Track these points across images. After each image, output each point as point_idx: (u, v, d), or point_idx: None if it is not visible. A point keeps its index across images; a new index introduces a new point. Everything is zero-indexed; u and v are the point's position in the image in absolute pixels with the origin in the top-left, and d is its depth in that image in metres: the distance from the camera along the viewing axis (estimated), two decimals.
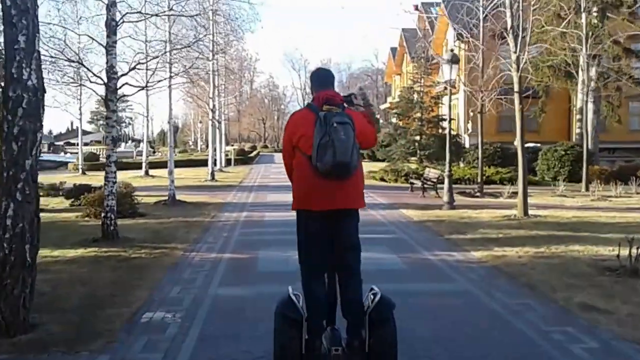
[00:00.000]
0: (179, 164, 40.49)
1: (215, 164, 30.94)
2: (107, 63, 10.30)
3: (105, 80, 10.29)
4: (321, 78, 4.37)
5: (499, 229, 11.27)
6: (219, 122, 31.88)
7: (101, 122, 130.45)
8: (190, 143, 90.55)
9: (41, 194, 19.00)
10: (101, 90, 10.67)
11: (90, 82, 11.12)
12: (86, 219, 12.81)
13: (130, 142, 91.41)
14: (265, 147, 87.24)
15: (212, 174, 24.46)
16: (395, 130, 27.98)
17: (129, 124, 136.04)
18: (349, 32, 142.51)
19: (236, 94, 39.38)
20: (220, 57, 27.83)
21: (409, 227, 11.89)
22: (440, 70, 23.70)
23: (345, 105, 4.14)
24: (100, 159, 48.74)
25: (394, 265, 8.18)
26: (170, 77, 16.38)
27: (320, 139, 3.89)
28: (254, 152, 56.15)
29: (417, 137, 26.79)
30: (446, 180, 14.67)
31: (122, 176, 28.18)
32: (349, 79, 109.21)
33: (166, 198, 16.39)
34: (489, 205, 15.66)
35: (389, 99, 62.28)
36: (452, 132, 28.14)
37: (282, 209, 11.95)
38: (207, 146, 36.93)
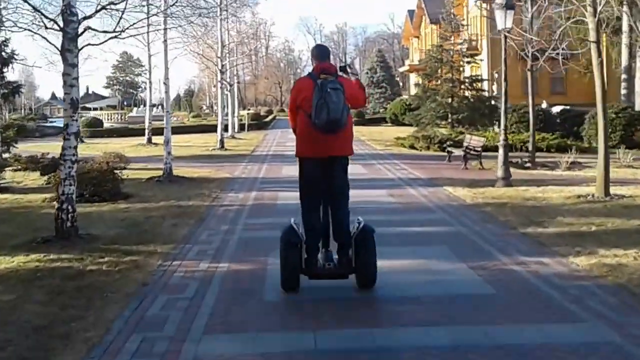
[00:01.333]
0: (189, 129, 38.15)
1: (226, 129, 28.42)
2: (63, 1, 7.62)
3: (61, 25, 7.61)
4: (320, 52, 5.60)
5: (584, 217, 8.57)
6: (231, 85, 29.14)
7: (117, 87, 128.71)
8: (204, 107, 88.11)
9: (19, 167, 16.99)
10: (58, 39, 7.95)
11: (47, 28, 8.34)
12: (54, 203, 10.28)
13: (143, 106, 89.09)
14: (282, 111, 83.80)
15: (222, 142, 21.85)
16: (423, 92, 25.01)
17: (145, 88, 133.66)
18: None
19: (251, 54, 35.72)
20: (230, 20, 25.11)
21: (464, 214, 9.17)
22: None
23: (339, 73, 5.35)
24: (105, 124, 46.64)
25: (470, 284, 5.55)
26: (166, 30, 13.70)
27: (318, 101, 5.10)
28: (270, 117, 53.31)
29: (449, 100, 23.88)
30: (501, 151, 11.87)
31: (121, 144, 26.14)
32: (365, 42, 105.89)
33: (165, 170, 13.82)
34: (550, 180, 12.87)
35: (407, 62, 59.61)
36: (486, 94, 25.66)
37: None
38: (236, 107, 34.35)
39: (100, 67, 68.24)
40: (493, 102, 24.30)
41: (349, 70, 5.56)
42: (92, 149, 23.10)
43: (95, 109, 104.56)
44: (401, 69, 59.50)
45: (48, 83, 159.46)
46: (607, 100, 30.71)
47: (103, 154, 16.78)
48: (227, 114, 29.22)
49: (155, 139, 28.60)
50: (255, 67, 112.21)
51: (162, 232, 7.96)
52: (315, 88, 5.12)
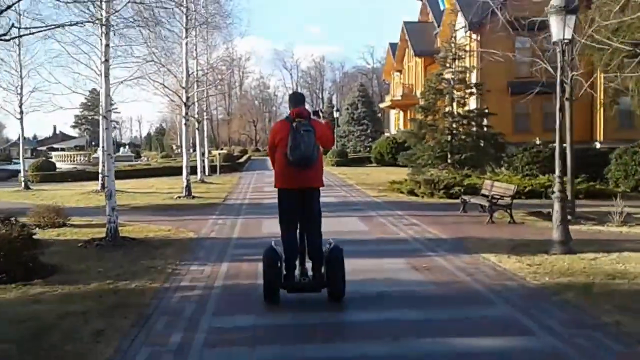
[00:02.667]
0: (155, 172, 34.76)
1: (196, 172, 25.20)
2: None
3: None
4: (295, 99, 6.95)
5: None
6: (199, 121, 26.06)
7: (85, 126, 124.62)
8: (175, 147, 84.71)
9: None
10: None
11: None
12: None
13: (126, 147, 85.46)
14: (257, 150, 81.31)
15: (188, 188, 18.57)
16: (419, 128, 22.19)
17: (115, 127, 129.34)
18: (343, 30, 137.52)
19: (224, 89, 32.89)
20: (199, 46, 22.28)
21: (540, 308, 6.07)
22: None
23: (312, 117, 6.55)
24: (66, 166, 43.04)
25: None
26: (107, 46, 10.69)
27: (292, 141, 6.22)
28: (244, 157, 50.31)
29: (448, 137, 21.09)
30: (556, 206, 8.88)
31: (72, 192, 22.56)
32: (343, 77, 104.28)
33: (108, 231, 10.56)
34: (615, 241, 9.91)
35: (388, 97, 57.51)
36: (491, 130, 23.02)
37: None
38: (206, 147, 31.15)
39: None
40: (500, 140, 21.61)
41: (320, 114, 7.36)
42: (36, 198, 19.74)
43: (62, 149, 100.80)
44: (382, 105, 57.32)
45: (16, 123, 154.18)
46: (586, 136, 29.06)
47: (37, 207, 13.52)
48: (193, 155, 26.09)
49: (119, 183, 25.38)
50: (229, 105, 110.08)
51: (73, 352, 4.74)
52: (291, 130, 6.29)
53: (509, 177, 17.90)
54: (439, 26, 45.36)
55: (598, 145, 26.38)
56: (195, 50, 21.31)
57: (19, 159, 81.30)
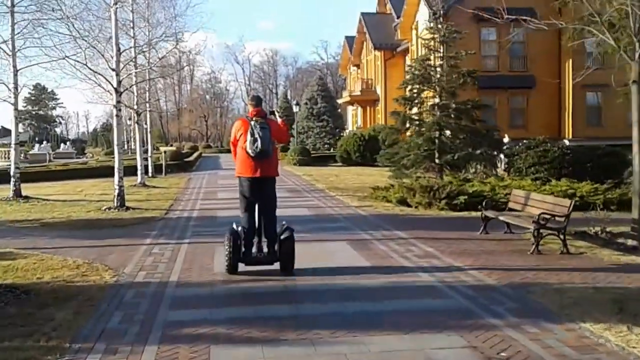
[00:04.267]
0: (92, 172, 30.39)
1: (145, 172, 21.18)
2: None
3: None
4: (255, 101, 7.85)
5: None
6: (138, 113, 21.98)
7: (28, 121, 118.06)
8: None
9: None
10: None
11: None
12: None
13: (46, 142, 79.53)
14: (209, 146, 76.97)
15: (120, 197, 14.59)
16: (402, 123, 18.77)
17: (60, 122, 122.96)
18: (296, 25, 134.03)
19: (171, 78, 28.97)
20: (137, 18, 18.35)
21: None
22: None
23: (269, 116, 7.86)
24: None
25: None
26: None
27: (251, 137, 7.29)
28: (195, 155, 46.00)
29: (436, 134, 17.73)
30: None
31: None
32: (297, 73, 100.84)
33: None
34: None
35: (345, 93, 54.43)
36: (486, 125, 19.88)
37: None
38: (151, 144, 26.95)
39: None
40: (496, 136, 18.41)
41: (276, 113, 9.36)
42: None
43: (4, 145, 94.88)
44: (340, 101, 54.11)
45: None
46: (554, 132, 26.76)
47: None
48: (123, 153, 22.05)
49: (43, 187, 21.22)
50: (179, 99, 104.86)
51: None
52: (249, 127, 7.39)
53: (519, 182, 14.65)
54: (398, 17, 42.51)
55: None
56: (133, 25, 17.35)
57: None
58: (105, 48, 14.30)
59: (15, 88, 16.64)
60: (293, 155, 34.00)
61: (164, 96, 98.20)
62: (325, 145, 49.91)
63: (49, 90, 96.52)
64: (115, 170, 14.63)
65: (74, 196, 18.54)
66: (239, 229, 7.60)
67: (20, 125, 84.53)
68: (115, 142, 14.85)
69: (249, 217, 7.56)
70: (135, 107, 21.71)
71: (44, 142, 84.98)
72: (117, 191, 14.53)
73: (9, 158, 65.43)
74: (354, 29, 50.79)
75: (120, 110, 14.49)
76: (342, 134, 49.99)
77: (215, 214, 13.59)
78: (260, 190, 7.51)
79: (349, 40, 53.07)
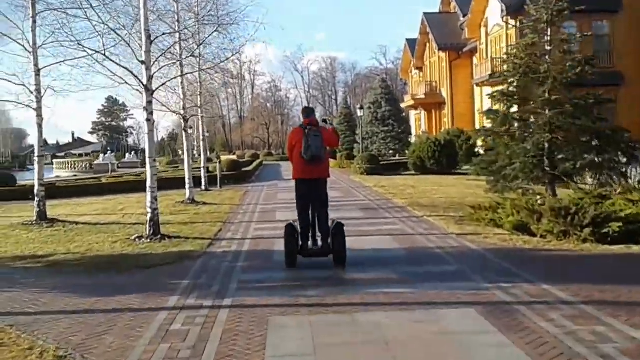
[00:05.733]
0: (143, 185, 28.00)
1: (192, 186, 18.29)
2: None
3: None
4: (307, 112, 8.90)
5: None
6: (185, 120, 19.04)
7: (102, 132, 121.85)
8: (181, 152, 78.11)
9: None
10: None
11: None
12: None
13: (110, 152, 79.32)
14: (270, 154, 74.68)
15: (154, 222, 11.48)
16: (501, 124, 15.02)
17: (131, 133, 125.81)
18: (349, 35, 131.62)
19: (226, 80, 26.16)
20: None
21: None
22: None
23: (321, 124, 8.74)
24: (59, 174, 36.28)
25: None
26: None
27: (305, 143, 8.26)
28: (254, 164, 43.23)
29: (548, 136, 13.90)
30: None
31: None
32: (355, 79, 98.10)
33: None
34: None
35: (407, 97, 51.05)
36: (612, 126, 15.91)
37: None
38: (204, 154, 24.26)
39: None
40: (625, 139, 14.41)
41: (327, 122, 9.92)
42: None
43: (81, 155, 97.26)
44: (403, 105, 50.71)
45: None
46: None
47: None
48: (174, 163, 19.32)
49: (84, 203, 18.70)
50: (242, 107, 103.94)
51: None
52: (304, 135, 8.35)
53: None
54: (465, 15, 39.16)
55: None
56: (178, 18, 14.37)
57: (32, 165, 76.14)
58: (132, 37, 11.27)
59: (38, 91, 13.95)
60: (360, 163, 30.53)
61: (227, 105, 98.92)
62: (391, 152, 46.32)
63: (120, 102, 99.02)
64: (148, 189, 11.59)
65: (111, 216, 15.76)
66: (296, 224, 8.60)
67: (94, 135, 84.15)
68: (147, 155, 11.78)
69: (304, 214, 8.55)
70: (183, 112, 18.76)
71: (108, 152, 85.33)
72: (149, 215, 11.47)
73: (74, 168, 65.04)
74: (415, 32, 47.88)
75: (151, 113, 11.40)
76: (409, 139, 46.35)
77: (271, 247, 10.30)
78: (314, 190, 8.49)
79: (411, 42, 50.88)
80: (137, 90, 11.44)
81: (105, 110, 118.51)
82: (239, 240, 11.41)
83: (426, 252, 9.58)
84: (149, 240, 11.15)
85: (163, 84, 12.73)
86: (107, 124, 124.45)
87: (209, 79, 23.23)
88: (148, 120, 11.35)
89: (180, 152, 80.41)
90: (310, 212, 8.53)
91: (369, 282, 7.57)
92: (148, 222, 11.48)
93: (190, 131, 36.71)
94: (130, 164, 75.79)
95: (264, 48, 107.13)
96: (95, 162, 71.33)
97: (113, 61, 10.87)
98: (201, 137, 24.84)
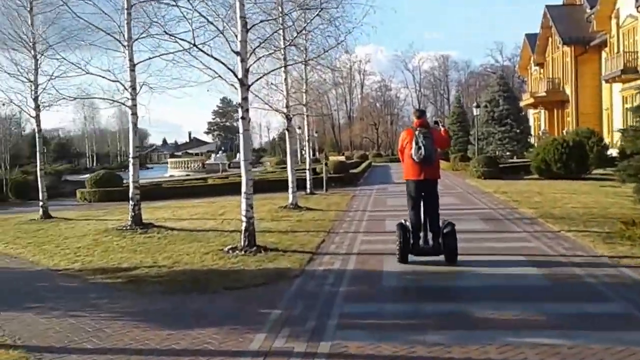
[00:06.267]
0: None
1: (296, 189, 17.16)
2: None
3: None
4: (418, 113, 9.09)
5: None
6: (289, 118, 17.86)
7: (217, 132, 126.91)
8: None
9: None
10: None
11: None
12: None
13: (221, 152, 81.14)
14: (379, 155, 73.08)
15: (249, 233, 10.25)
16: None
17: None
18: (468, 27, 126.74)
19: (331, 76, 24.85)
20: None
21: None
22: None
23: (433, 126, 9.03)
24: (173, 174, 36.86)
25: None
26: None
27: (416, 145, 8.47)
28: (363, 165, 41.79)
29: None
30: None
31: (88, 226, 13.71)
32: (469, 77, 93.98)
33: None
34: None
35: (525, 95, 47.50)
36: None
37: None
38: (309, 155, 23.28)
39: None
40: None
41: (439, 123, 9.24)
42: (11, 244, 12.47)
43: (197, 154, 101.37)
44: (521, 103, 47.25)
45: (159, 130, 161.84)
46: None
47: None
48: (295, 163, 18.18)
49: (187, 205, 18.15)
50: (351, 107, 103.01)
51: None
52: (414, 137, 8.53)
53: None
54: (592, 7, 35.61)
55: None
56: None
57: (157, 162, 79.71)
58: (227, 26, 10.09)
59: (133, 87, 13.28)
60: (477, 166, 28.14)
61: (335, 104, 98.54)
62: (508, 153, 43.13)
63: (234, 102, 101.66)
64: (242, 196, 10.39)
65: (209, 222, 14.85)
66: (407, 223, 8.77)
67: (209, 135, 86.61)
68: (242, 157, 10.57)
69: (415, 214, 8.73)
70: (285, 110, 17.60)
71: (220, 152, 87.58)
72: (244, 224, 10.26)
73: (187, 167, 66.96)
74: (535, 26, 44.60)
75: (247, 110, 10.18)
76: (528, 140, 42.96)
77: (380, 267, 8.74)
78: (424, 191, 8.68)
79: (530, 37, 47.82)
80: (233, 85, 10.14)
81: (220, 110, 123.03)
82: (343, 255, 9.91)
83: (575, 282, 7.59)
84: (242, 253, 9.94)
85: (260, 77, 11.51)
86: (221, 124, 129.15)
87: (315, 76, 22.06)
88: (243, 118, 10.14)
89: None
90: (421, 211, 8.71)
91: (507, 325, 5.82)
92: (243, 232, 10.29)
93: (299, 131, 35.97)
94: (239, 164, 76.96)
95: (372, 51, 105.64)
96: (207, 162, 73.03)
97: (205, 52, 9.72)
98: (306, 137, 23.68)
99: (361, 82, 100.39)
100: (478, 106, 39.08)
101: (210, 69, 10.47)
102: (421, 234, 8.67)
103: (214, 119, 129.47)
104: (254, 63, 10.32)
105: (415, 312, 6.42)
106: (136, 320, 6.48)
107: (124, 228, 13.30)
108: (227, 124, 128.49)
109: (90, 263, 9.78)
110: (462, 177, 28.29)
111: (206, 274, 8.64)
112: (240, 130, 10.27)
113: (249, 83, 10.27)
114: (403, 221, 8.82)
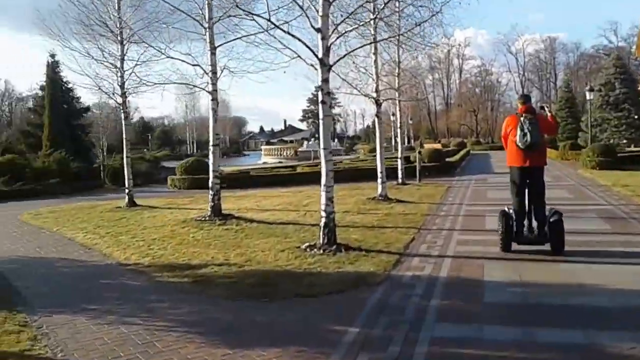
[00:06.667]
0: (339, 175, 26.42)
1: (385, 179, 15.99)
2: None
3: None
4: (523, 99, 8.71)
5: None
6: (378, 104, 16.55)
7: (311, 119, 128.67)
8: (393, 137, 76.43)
9: None
10: None
11: None
12: None
13: (313, 140, 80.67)
14: (478, 142, 70.03)
15: (329, 229, 9.17)
16: None
17: (339, 120, 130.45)
18: (576, 7, 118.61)
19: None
20: None
21: None
22: None
23: (539, 111, 8.79)
24: (266, 161, 36.64)
25: None
26: None
27: (520, 131, 8.16)
28: (460, 153, 39.72)
29: None
30: None
31: (177, 212, 13.83)
32: (578, 60, 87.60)
33: None
34: None
35: None
36: None
37: None
38: (401, 142, 22.06)
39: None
40: None
41: (546, 109, 8.94)
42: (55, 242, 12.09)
43: (291, 141, 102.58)
44: None
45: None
46: None
47: None
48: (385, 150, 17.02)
49: (273, 194, 17.56)
50: (448, 93, 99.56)
51: None
52: (519, 122, 8.24)
53: None
54: None
55: None
56: None
57: (254, 150, 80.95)
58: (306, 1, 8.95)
59: (214, 72, 12.53)
60: (590, 155, 25.52)
61: (432, 90, 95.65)
62: (624, 141, 39.57)
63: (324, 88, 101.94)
64: (322, 189, 9.28)
65: (291, 214, 13.94)
66: (510, 211, 8.47)
67: (304, 123, 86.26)
68: (322, 145, 9.44)
69: (519, 201, 8.40)
70: (375, 95, 16.34)
71: (312, 140, 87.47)
72: (323, 220, 9.19)
73: (280, 155, 67.33)
74: None
75: (327, 94, 9.06)
76: None
77: (480, 275, 7.40)
78: (529, 178, 8.34)
79: None
80: (313, 66, 9.05)
81: (314, 98, 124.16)
82: (436, 258, 8.61)
83: None
84: (321, 252, 8.88)
85: (343, 57, 10.30)
86: (315, 111, 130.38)
87: (408, 59, 20.62)
88: (323, 102, 9.03)
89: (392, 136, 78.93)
90: (525, 199, 8.40)
91: None
92: (322, 229, 9.22)
93: (392, 118, 34.48)
94: (334, 151, 76.35)
95: (471, 34, 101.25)
96: (300, 149, 72.91)
97: (283, 30, 8.67)
98: (398, 124, 22.29)
99: (460, 66, 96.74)
100: (592, 90, 35.80)
101: (289, 48, 9.44)
102: (525, 222, 8.41)
103: (308, 106, 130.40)
104: (336, 40, 9.13)
105: (527, 340, 5.09)
106: (192, 332, 5.60)
107: (203, 219, 12.65)
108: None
109: (161, 258, 9.07)
110: (572, 167, 25.84)
111: (278, 276, 7.64)
112: (320, 116, 9.17)
113: (330, 63, 9.12)
114: (506, 209, 8.55)
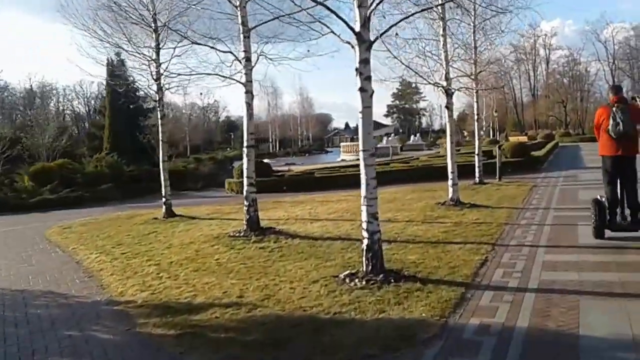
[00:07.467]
0: (410, 175, 24.18)
1: (456, 179, 13.82)
2: None
3: None
4: (615, 90, 8.80)
5: None
6: (448, 94, 14.16)
7: (396, 114, 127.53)
8: (466, 133, 72.68)
9: None
10: None
11: None
12: None
13: (394, 135, 78.14)
14: (567, 134, 65.48)
15: (372, 255, 7.16)
16: None
17: (423, 114, 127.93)
18: None
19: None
20: None
21: None
22: None
23: (630, 102, 8.72)
24: (345, 158, 34.83)
25: None
26: None
27: (612, 121, 8.25)
28: (547, 147, 36.30)
29: None
30: None
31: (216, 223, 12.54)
32: None
33: None
34: None
35: None
36: None
37: None
38: (477, 136, 19.74)
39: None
40: None
41: (637, 99, 9.15)
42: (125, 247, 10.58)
43: (374, 137, 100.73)
44: None
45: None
46: None
47: None
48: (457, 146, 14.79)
49: (332, 198, 15.91)
50: (535, 84, 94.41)
51: None
52: (611, 112, 8.32)
53: None
54: None
55: None
56: None
57: (337, 146, 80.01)
58: None
59: (247, 59, 10.76)
60: None
61: (519, 82, 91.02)
62: None
63: (413, 84, 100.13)
64: (362, 202, 7.26)
65: (344, 225, 11.88)
66: (603, 199, 8.57)
67: (389, 118, 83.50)
68: (361, 146, 7.44)
69: (612, 189, 8.55)
70: (444, 83, 14.04)
71: (391, 136, 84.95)
72: (366, 242, 7.18)
73: (357, 152, 65.88)
74: None
75: (367, 79, 7.03)
76: None
77: (574, 324, 5.20)
78: (621, 167, 8.46)
79: None
80: (349, 43, 7.04)
81: (399, 93, 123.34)
82: (514, 292, 6.39)
83: None
84: (363, 283, 6.88)
85: (389, 29, 8.06)
86: (400, 106, 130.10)
87: (485, 44, 18.23)
88: (363, 90, 7.02)
89: (465, 133, 75.20)
90: (617, 187, 8.51)
91: None
92: (364, 253, 7.22)
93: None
94: (414, 147, 73.53)
95: (560, 23, 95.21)
96: (378, 146, 70.69)
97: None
98: (475, 117, 19.79)
99: (546, 57, 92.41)
100: None
101: (321, 22, 7.49)
102: (618, 210, 8.55)
103: (392, 101, 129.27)
104: (379, 4, 7.00)
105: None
106: None
107: (238, 234, 10.89)
108: (406, 105, 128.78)
109: (161, 293, 7.33)
110: None
111: (296, 326, 5.69)
112: (359, 108, 7.15)
113: (371, 39, 7.07)
114: (599, 197, 8.71)
